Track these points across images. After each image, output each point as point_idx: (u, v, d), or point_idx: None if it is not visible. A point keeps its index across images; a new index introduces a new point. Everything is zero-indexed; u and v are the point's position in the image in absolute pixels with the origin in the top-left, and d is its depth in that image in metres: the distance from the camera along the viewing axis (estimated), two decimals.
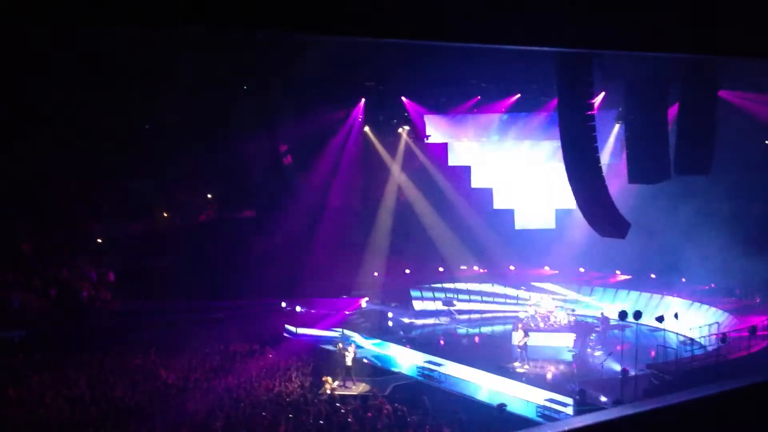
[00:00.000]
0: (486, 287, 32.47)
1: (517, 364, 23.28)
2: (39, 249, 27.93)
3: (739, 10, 2.83)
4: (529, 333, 24.15)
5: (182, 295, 28.56)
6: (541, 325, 26.16)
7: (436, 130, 30.15)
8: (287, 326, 28.88)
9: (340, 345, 23.61)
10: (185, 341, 25.05)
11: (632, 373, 20.16)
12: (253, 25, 2.35)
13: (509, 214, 34.84)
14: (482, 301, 32.10)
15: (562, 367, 23.33)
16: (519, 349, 23.53)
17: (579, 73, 20.18)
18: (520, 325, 24.95)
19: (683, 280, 29.91)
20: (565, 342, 25.53)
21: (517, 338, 23.84)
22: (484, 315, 30.82)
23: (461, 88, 28.12)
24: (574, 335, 26.05)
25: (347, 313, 29.33)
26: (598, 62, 21.77)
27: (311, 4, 2.36)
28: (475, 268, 33.82)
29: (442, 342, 26.99)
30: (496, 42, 2.66)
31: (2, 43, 18.65)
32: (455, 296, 31.40)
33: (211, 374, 22.30)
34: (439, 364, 23.92)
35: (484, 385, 22.22)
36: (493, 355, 24.92)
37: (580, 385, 20.36)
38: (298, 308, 30.40)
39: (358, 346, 24.52)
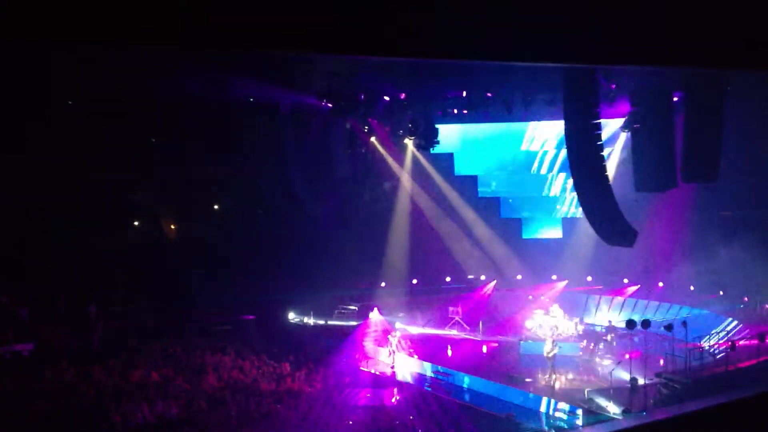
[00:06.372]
0: None
1: (542, 376, 23.18)
2: (45, 262, 27.95)
3: (742, 24, 2.86)
4: (558, 344, 24.03)
5: (192, 304, 28.70)
6: (549, 334, 26.07)
7: (443, 139, 30.12)
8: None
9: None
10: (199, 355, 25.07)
11: (641, 381, 20.07)
12: (271, 45, 2.39)
13: (517, 223, 34.87)
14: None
15: (570, 376, 23.24)
16: (548, 360, 23.40)
17: (585, 84, 20.24)
18: (550, 336, 24.85)
19: (692, 288, 29.81)
20: (572, 351, 25.45)
21: (547, 349, 23.72)
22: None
23: (468, 97, 28.10)
24: (582, 344, 25.99)
25: (355, 324, 29.29)
26: (604, 71, 21.82)
27: (317, 25, 2.39)
28: (483, 277, 33.75)
29: (450, 352, 26.94)
30: (502, 59, 2.70)
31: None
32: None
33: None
34: (447, 374, 23.88)
35: (492, 395, 22.17)
36: (502, 364, 24.88)
37: (589, 394, 20.30)
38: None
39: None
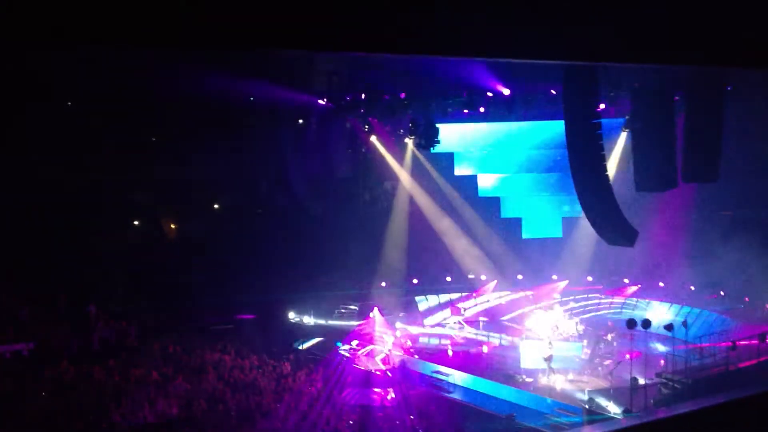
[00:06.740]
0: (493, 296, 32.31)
1: (542, 375, 23.15)
2: (45, 262, 27.97)
3: (742, 24, 2.88)
4: (552, 343, 24.02)
5: (192, 304, 28.74)
6: (550, 334, 26.04)
7: (443, 139, 30.09)
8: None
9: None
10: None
11: (642, 381, 20.07)
12: (271, 45, 2.39)
13: (516, 222, 34.84)
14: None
15: (571, 376, 23.23)
16: (545, 361, 23.39)
17: (585, 83, 20.24)
18: (547, 336, 24.86)
19: (692, 288, 29.80)
20: (573, 351, 25.42)
21: (543, 350, 23.71)
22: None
23: (468, 96, 28.10)
24: (582, 344, 25.96)
25: (355, 324, 29.28)
26: (604, 71, 21.82)
27: (317, 25, 2.40)
28: (483, 277, 33.70)
29: (450, 351, 26.92)
30: (502, 58, 2.70)
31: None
32: (463, 308, 31.26)
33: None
34: (447, 374, 23.88)
35: (492, 395, 22.16)
36: (502, 364, 24.87)
37: (590, 394, 20.30)
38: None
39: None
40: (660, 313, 28.02)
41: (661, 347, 25.09)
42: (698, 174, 23.26)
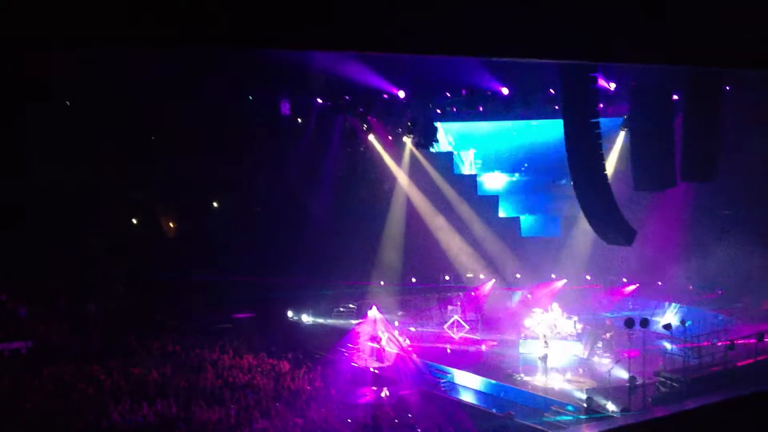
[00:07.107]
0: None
1: (540, 374, 23.15)
2: (45, 262, 27.96)
3: (742, 24, 2.89)
4: (548, 343, 24.03)
5: (192, 303, 28.77)
6: (548, 333, 26.05)
7: (443, 138, 30.14)
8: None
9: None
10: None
11: (640, 380, 20.07)
12: (271, 45, 2.40)
13: (515, 222, 34.85)
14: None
15: (569, 375, 23.24)
16: (540, 360, 23.37)
17: (583, 81, 20.23)
18: (543, 336, 24.84)
19: (690, 287, 29.79)
20: (574, 350, 25.44)
21: (539, 349, 23.70)
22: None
23: (468, 96, 28.14)
24: (581, 343, 25.97)
25: (354, 323, 29.25)
26: (603, 69, 21.83)
27: (317, 25, 2.41)
28: (481, 276, 33.71)
29: (449, 350, 26.93)
30: (502, 56, 2.72)
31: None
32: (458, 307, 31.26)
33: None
34: (446, 373, 23.88)
35: (490, 394, 22.17)
36: (501, 363, 24.88)
37: (588, 393, 20.30)
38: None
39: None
40: (670, 315, 28.00)
41: (659, 346, 25.08)
42: (697, 173, 23.26)
